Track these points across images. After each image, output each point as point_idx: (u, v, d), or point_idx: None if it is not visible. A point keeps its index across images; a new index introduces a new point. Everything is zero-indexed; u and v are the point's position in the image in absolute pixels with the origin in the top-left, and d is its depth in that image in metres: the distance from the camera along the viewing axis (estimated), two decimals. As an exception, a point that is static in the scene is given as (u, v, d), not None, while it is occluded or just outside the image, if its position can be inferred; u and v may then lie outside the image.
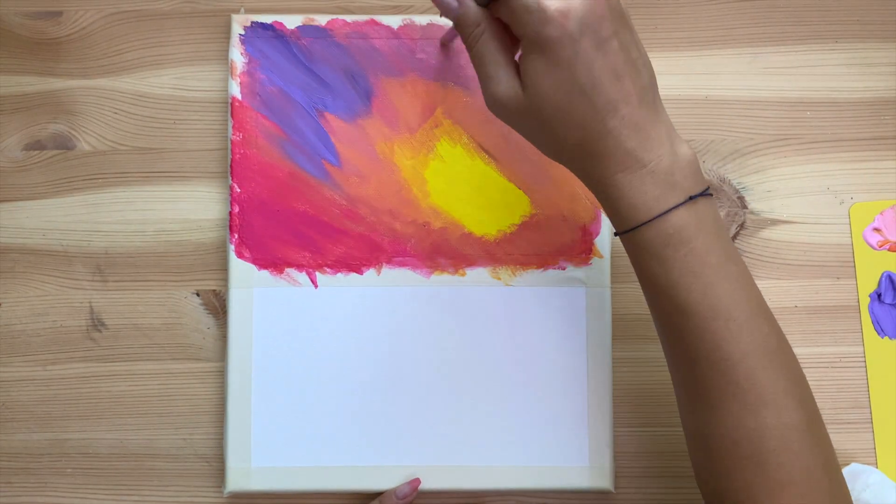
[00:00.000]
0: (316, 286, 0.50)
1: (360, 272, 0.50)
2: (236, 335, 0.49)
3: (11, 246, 0.51)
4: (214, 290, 0.51)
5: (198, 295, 0.51)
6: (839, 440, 0.50)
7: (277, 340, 0.49)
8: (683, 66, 0.52)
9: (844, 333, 0.51)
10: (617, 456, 0.50)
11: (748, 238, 0.51)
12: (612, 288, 0.50)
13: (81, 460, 0.50)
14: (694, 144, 0.52)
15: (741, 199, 0.52)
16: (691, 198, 0.36)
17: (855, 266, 0.51)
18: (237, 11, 0.52)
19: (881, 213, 0.51)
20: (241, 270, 0.50)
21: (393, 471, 0.49)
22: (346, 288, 0.50)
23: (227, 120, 0.51)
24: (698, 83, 0.52)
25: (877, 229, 0.51)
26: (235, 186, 0.50)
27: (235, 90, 0.50)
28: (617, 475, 0.50)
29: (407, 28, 0.51)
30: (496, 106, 0.37)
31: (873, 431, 0.50)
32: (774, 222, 0.52)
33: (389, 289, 0.50)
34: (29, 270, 0.51)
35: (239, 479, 0.49)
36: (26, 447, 0.50)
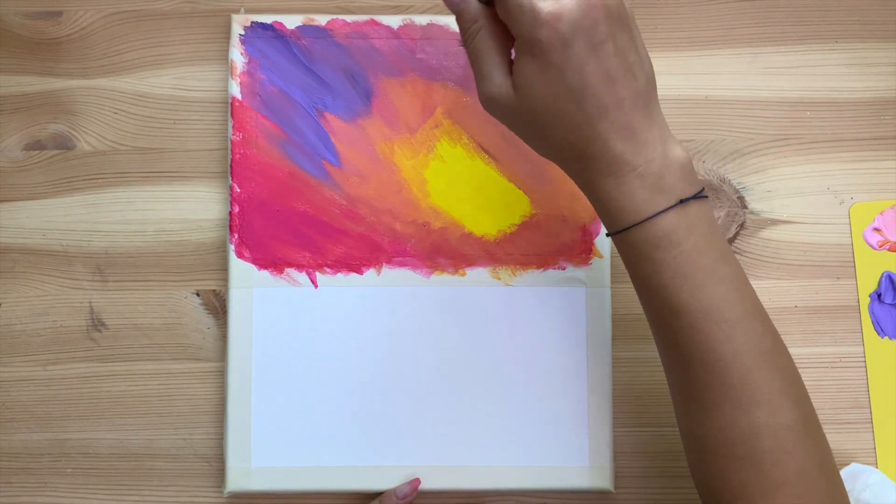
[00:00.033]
0: (316, 286, 0.50)
1: (360, 272, 0.50)
2: (236, 335, 0.49)
3: (11, 246, 0.51)
4: (214, 290, 0.51)
5: (198, 295, 0.51)
6: (839, 440, 0.50)
7: (277, 340, 0.49)
8: (683, 66, 0.52)
9: (844, 333, 0.51)
10: (617, 456, 0.50)
11: (748, 238, 0.51)
12: (612, 288, 0.50)
13: (81, 460, 0.50)
14: (694, 144, 0.52)
15: (741, 199, 0.52)
16: (682, 201, 0.36)
17: (855, 266, 0.51)
18: (237, 11, 0.52)
19: (881, 213, 0.51)
20: (241, 270, 0.50)
21: (393, 471, 0.49)
22: (346, 288, 0.50)
23: (227, 120, 0.51)
24: (698, 83, 0.52)
25: (877, 229, 0.51)
26: (235, 186, 0.50)
27: (235, 90, 0.50)
28: (617, 475, 0.50)
29: (407, 28, 0.51)
30: (489, 104, 0.37)
31: (873, 431, 0.50)
32: (774, 222, 0.52)
33: (389, 289, 0.50)
34: (29, 270, 0.51)
35: (239, 479, 0.49)
36: (26, 447, 0.50)
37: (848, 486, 0.47)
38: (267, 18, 0.51)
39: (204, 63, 0.52)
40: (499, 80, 0.36)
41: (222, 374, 0.51)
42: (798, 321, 0.51)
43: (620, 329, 0.51)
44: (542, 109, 0.36)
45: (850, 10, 0.53)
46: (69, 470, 0.50)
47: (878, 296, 0.51)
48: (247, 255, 0.50)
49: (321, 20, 0.51)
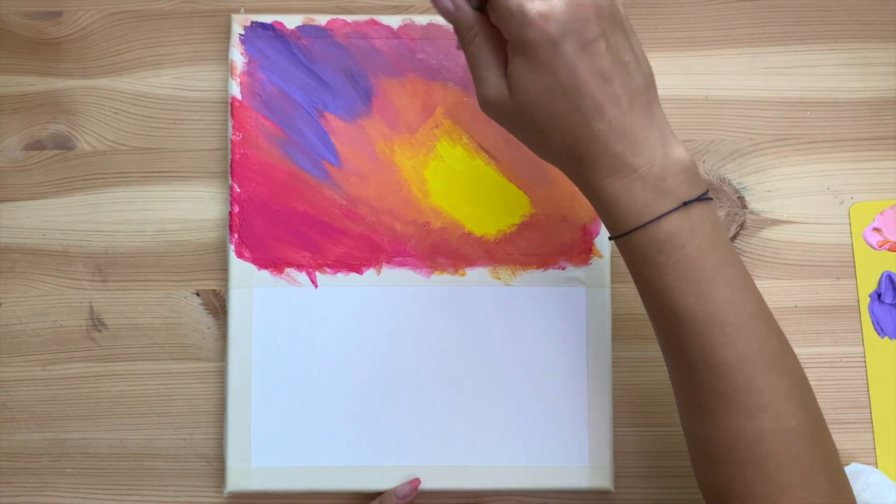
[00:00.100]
0: (316, 286, 0.50)
1: (360, 272, 0.50)
2: (236, 335, 0.49)
3: (11, 246, 0.51)
4: (214, 290, 0.51)
5: (198, 295, 0.51)
6: (839, 440, 0.50)
7: (277, 340, 0.49)
8: (683, 66, 0.52)
9: (844, 333, 0.51)
10: (617, 456, 0.50)
11: (748, 238, 0.51)
12: (612, 288, 0.50)
13: (81, 460, 0.50)
14: (694, 144, 0.52)
15: (741, 199, 0.52)
16: (685, 203, 0.36)
17: (855, 266, 0.51)
18: (237, 11, 0.52)
19: (881, 213, 0.51)
20: (241, 270, 0.50)
21: (393, 471, 0.49)
22: (346, 288, 0.50)
23: (227, 120, 0.51)
24: (698, 83, 0.52)
25: (877, 229, 0.51)
26: (235, 186, 0.50)
27: (235, 90, 0.50)
28: (617, 475, 0.50)
29: (407, 28, 0.51)
30: (487, 107, 0.38)
31: (873, 431, 0.50)
32: (774, 222, 0.52)
33: (389, 289, 0.50)
34: (29, 270, 0.51)
35: (239, 479, 0.49)
36: (26, 447, 0.50)
37: (848, 487, 0.47)
38: (267, 18, 0.51)
39: (204, 63, 0.52)
40: (495, 82, 0.36)
41: (222, 374, 0.50)
42: (798, 321, 0.51)
43: (620, 329, 0.51)
44: (538, 110, 0.36)
45: (850, 10, 0.53)
46: (69, 470, 0.50)
47: (878, 296, 0.51)
48: (247, 255, 0.50)
49: (321, 20, 0.51)
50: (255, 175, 0.50)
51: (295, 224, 0.50)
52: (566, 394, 0.49)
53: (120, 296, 0.51)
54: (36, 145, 0.52)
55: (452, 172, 0.51)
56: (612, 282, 0.50)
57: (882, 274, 0.51)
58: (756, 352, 0.36)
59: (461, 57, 0.51)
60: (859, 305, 0.51)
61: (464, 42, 0.37)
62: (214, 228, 0.51)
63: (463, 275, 0.50)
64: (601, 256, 0.50)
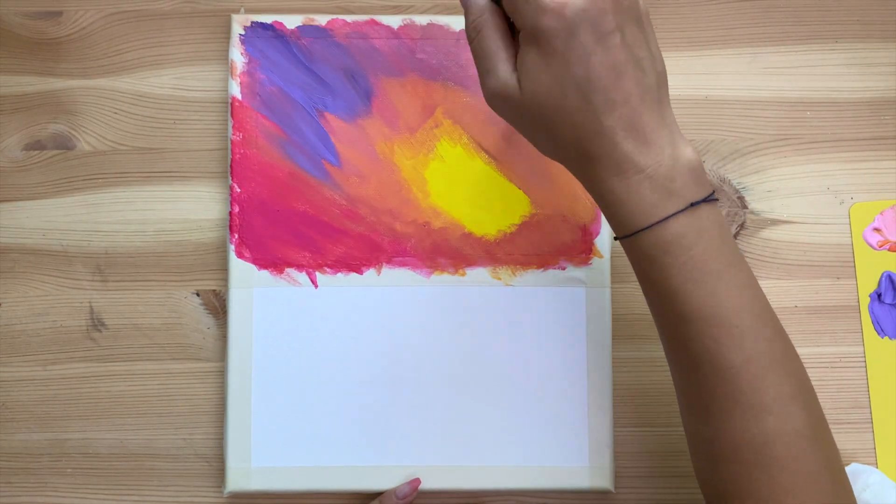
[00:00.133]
0: (316, 286, 0.50)
1: (360, 272, 0.50)
2: (236, 335, 0.49)
3: (11, 246, 0.51)
4: (214, 290, 0.51)
5: (198, 295, 0.51)
6: (839, 440, 0.50)
7: (277, 340, 0.49)
8: (683, 66, 0.52)
9: (844, 333, 0.51)
10: (617, 456, 0.50)
11: (748, 238, 0.51)
12: (612, 288, 0.50)
13: (81, 460, 0.50)
14: (694, 144, 0.52)
15: (741, 199, 0.52)
16: (692, 204, 0.35)
17: (855, 266, 0.51)
18: (237, 11, 0.52)
19: (881, 213, 0.51)
20: (241, 270, 0.50)
21: (393, 471, 0.49)
22: (346, 288, 0.50)
23: (227, 120, 0.51)
24: (698, 83, 0.52)
25: (877, 229, 0.51)
26: (235, 186, 0.50)
27: (235, 90, 0.50)
28: (617, 475, 0.50)
29: (407, 28, 0.51)
30: (494, 100, 0.37)
31: (873, 431, 0.50)
32: (774, 222, 0.52)
33: (389, 289, 0.50)
34: (29, 270, 0.51)
35: (239, 479, 0.49)
36: (26, 447, 0.50)
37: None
38: (267, 18, 0.51)
39: (204, 63, 0.52)
40: (504, 74, 0.36)
41: (222, 374, 0.50)
42: (798, 321, 0.51)
43: (620, 329, 0.51)
44: (548, 103, 0.35)
45: (850, 10, 0.53)
46: (69, 470, 0.50)
47: (878, 296, 0.51)
48: (247, 255, 0.50)
49: (321, 20, 0.51)
50: (255, 175, 0.50)
51: (295, 224, 0.50)
52: (566, 394, 0.49)
53: (120, 296, 0.51)
54: (36, 145, 0.52)
55: (452, 172, 0.51)
56: (612, 282, 0.50)
57: (882, 274, 0.51)
58: (762, 354, 0.36)
59: (461, 57, 0.51)
60: (859, 305, 0.51)
61: (472, 30, 0.37)
62: (214, 228, 0.51)
63: (463, 275, 0.50)
64: (601, 256, 0.50)
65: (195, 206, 0.51)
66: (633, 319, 0.51)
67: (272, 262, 0.50)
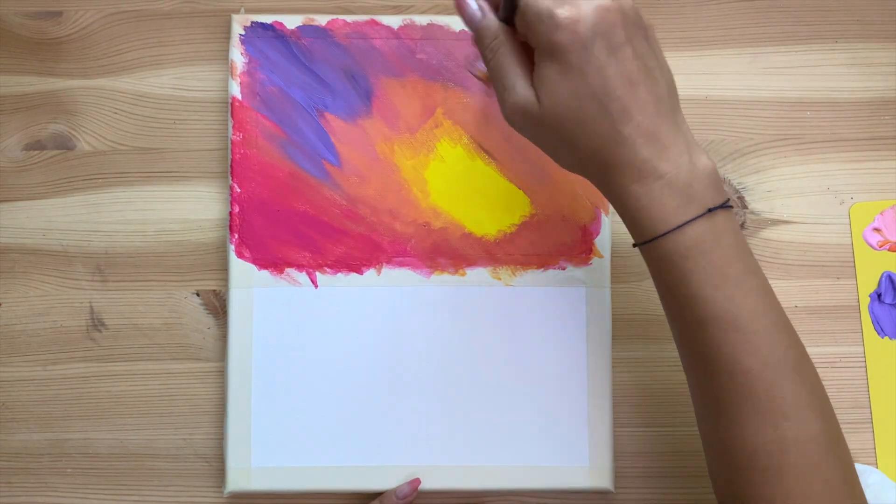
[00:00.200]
0: (316, 286, 0.50)
1: (360, 272, 0.50)
2: (236, 335, 0.49)
3: (11, 246, 0.51)
4: (214, 290, 0.51)
5: (198, 295, 0.51)
6: (839, 440, 0.50)
7: (277, 340, 0.49)
8: (683, 66, 0.52)
9: (844, 333, 0.51)
10: (617, 456, 0.50)
11: (748, 238, 0.51)
12: (612, 288, 0.50)
13: (81, 460, 0.50)
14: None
15: (741, 199, 0.52)
16: (710, 210, 0.36)
17: (855, 266, 0.51)
18: (237, 11, 0.52)
19: (881, 213, 0.51)
20: (241, 270, 0.50)
21: (393, 471, 0.49)
22: (346, 288, 0.50)
23: (227, 120, 0.51)
24: (698, 83, 0.52)
25: (877, 229, 0.51)
26: (235, 186, 0.50)
27: (235, 90, 0.50)
28: (617, 475, 0.50)
29: (407, 28, 0.51)
30: (514, 116, 0.38)
31: (873, 431, 0.50)
32: (774, 222, 0.52)
33: (389, 289, 0.50)
34: (29, 270, 0.51)
35: (239, 479, 0.49)
36: (26, 447, 0.50)
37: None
38: (267, 18, 0.51)
39: (204, 63, 0.52)
40: (522, 90, 0.37)
41: (222, 374, 0.50)
42: (798, 321, 0.51)
43: (620, 329, 0.51)
44: (567, 115, 0.36)
45: (850, 10, 0.53)
46: (69, 470, 0.50)
47: (878, 296, 0.51)
48: (247, 255, 0.50)
49: (321, 20, 0.51)
50: (255, 175, 0.50)
51: (295, 224, 0.50)
52: (566, 394, 0.49)
53: (120, 296, 0.51)
54: (36, 145, 0.52)
55: (452, 172, 0.51)
56: (613, 282, 0.50)
57: (882, 274, 0.51)
58: (779, 360, 0.36)
59: (461, 57, 0.51)
60: (859, 305, 0.51)
61: (487, 51, 0.38)
62: (214, 228, 0.51)
63: (463, 275, 0.50)
64: (601, 256, 0.50)
65: (195, 206, 0.51)
66: (633, 319, 0.51)
67: (272, 262, 0.50)
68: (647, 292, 0.51)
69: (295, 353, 0.49)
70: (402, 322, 0.50)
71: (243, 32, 0.51)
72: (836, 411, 0.50)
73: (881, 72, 0.52)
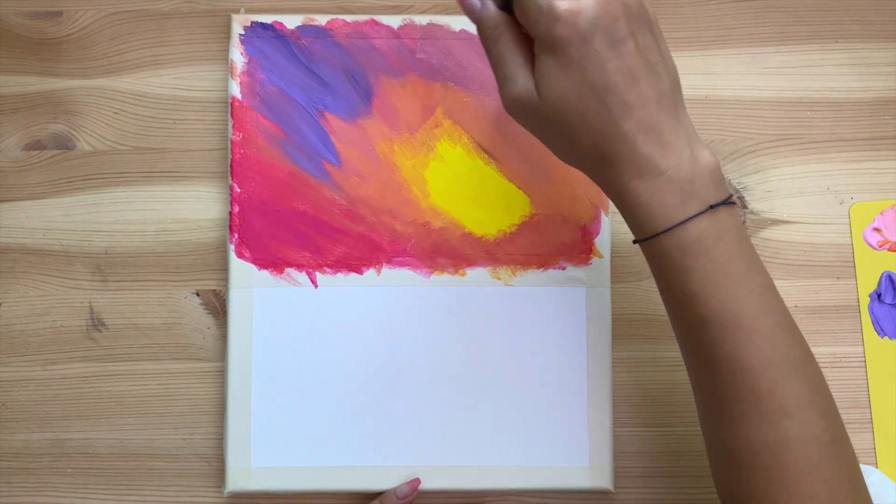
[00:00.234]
0: (316, 286, 0.50)
1: (360, 272, 0.50)
2: (236, 335, 0.49)
3: (11, 246, 0.51)
4: (214, 290, 0.51)
5: (198, 295, 0.51)
6: (839, 440, 0.50)
7: (277, 340, 0.49)
8: (683, 66, 0.52)
9: (844, 333, 0.51)
10: (617, 456, 0.50)
11: (748, 238, 0.51)
12: (612, 288, 0.50)
13: (81, 460, 0.50)
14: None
15: (741, 199, 0.52)
16: (712, 207, 0.35)
17: (855, 266, 0.51)
18: (237, 11, 0.52)
19: (881, 213, 0.51)
20: (241, 270, 0.50)
21: (393, 471, 0.49)
22: (346, 288, 0.50)
23: (227, 120, 0.51)
24: (698, 83, 0.52)
25: (877, 229, 0.51)
26: (235, 186, 0.50)
27: (235, 90, 0.50)
28: (617, 475, 0.50)
29: (407, 28, 0.51)
30: (513, 106, 0.37)
31: (873, 431, 0.50)
32: (774, 222, 0.52)
33: (389, 289, 0.50)
34: (29, 270, 0.51)
35: (239, 479, 0.49)
36: (26, 447, 0.50)
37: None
38: (267, 18, 0.51)
39: (204, 63, 0.52)
40: (522, 81, 0.36)
41: (222, 374, 0.50)
42: (798, 321, 0.50)
43: (620, 329, 0.51)
44: (566, 109, 0.35)
45: (850, 10, 0.53)
46: (69, 470, 0.50)
47: (878, 296, 0.51)
48: (247, 255, 0.50)
49: (321, 20, 0.51)
50: (255, 175, 0.50)
51: (295, 224, 0.50)
52: (566, 394, 0.49)
53: (120, 296, 0.51)
54: (36, 145, 0.52)
55: (452, 172, 0.51)
56: (613, 282, 0.50)
57: (882, 274, 0.51)
58: (782, 358, 0.36)
59: (461, 57, 0.51)
60: (859, 305, 0.51)
61: (488, 41, 0.37)
62: (214, 228, 0.51)
63: (463, 275, 0.50)
64: (601, 256, 0.50)
65: (195, 206, 0.51)
66: (633, 319, 0.51)
67: (272, 262, 0.50)
68: (647, 292, 0.51)
69: (295, 353, 0.49)
70: (402, 322, 0.50)
71: (243, 32, 0.51)
72: (836, 411, 0.50)
73: (881, 72, 0.52)
